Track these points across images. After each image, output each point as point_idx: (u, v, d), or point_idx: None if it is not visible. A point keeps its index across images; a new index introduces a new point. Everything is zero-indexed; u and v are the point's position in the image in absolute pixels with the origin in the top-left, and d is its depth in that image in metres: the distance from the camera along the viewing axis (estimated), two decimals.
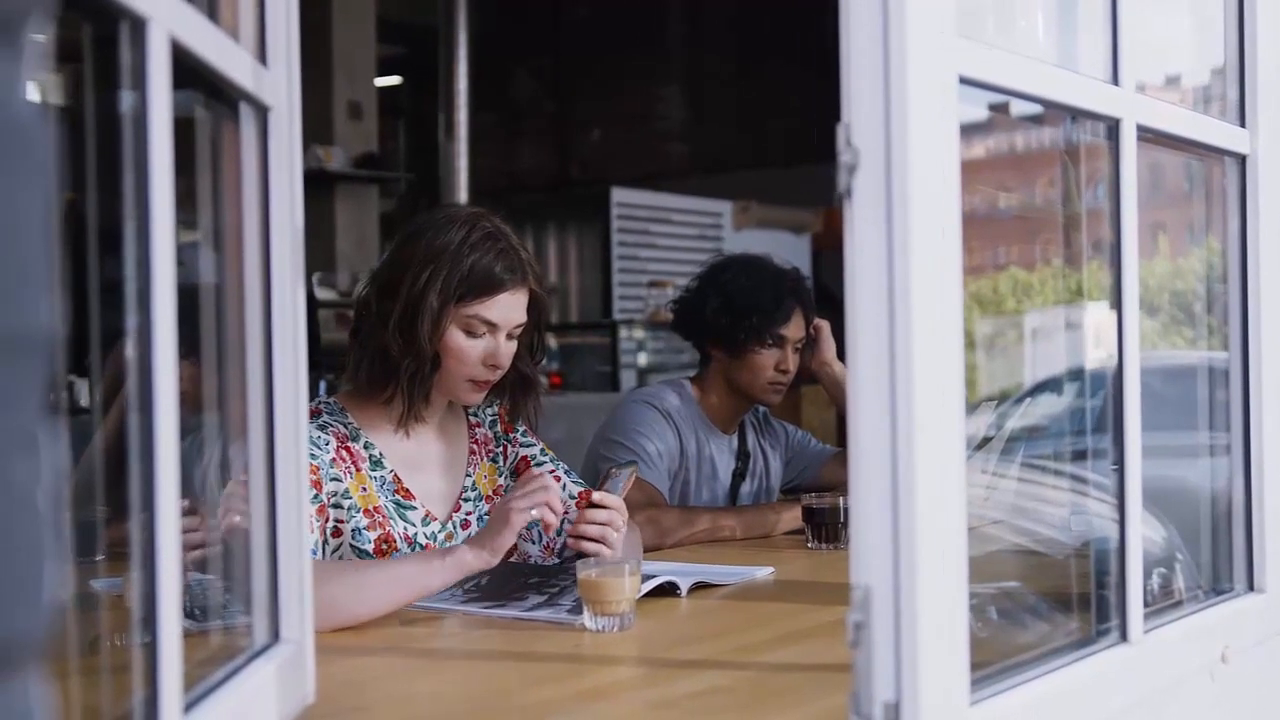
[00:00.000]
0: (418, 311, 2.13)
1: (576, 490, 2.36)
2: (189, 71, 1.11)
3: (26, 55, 0.59)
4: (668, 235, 8.17)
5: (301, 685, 1.40)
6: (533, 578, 2.12)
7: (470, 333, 2.17)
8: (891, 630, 1.16)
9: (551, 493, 1.98)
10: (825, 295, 5.79)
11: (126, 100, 1.02)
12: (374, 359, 2.18)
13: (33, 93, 0.60)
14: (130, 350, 1.01)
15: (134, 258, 1.01)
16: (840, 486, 2.92)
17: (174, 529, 1.02)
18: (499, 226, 2.21)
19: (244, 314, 1.35)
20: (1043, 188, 2.07)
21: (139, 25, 1.00)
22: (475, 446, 2.35)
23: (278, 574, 1.37)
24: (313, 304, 4.80)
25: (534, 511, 1.95)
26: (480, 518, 2.29)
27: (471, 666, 1.73)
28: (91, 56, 1.04)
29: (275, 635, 1.36)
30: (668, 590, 2.09)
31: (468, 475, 2.32)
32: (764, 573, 2.33)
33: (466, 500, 2.30)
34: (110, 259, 1.03)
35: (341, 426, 2.19)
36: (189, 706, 1.09)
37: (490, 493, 2.33)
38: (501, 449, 2.38)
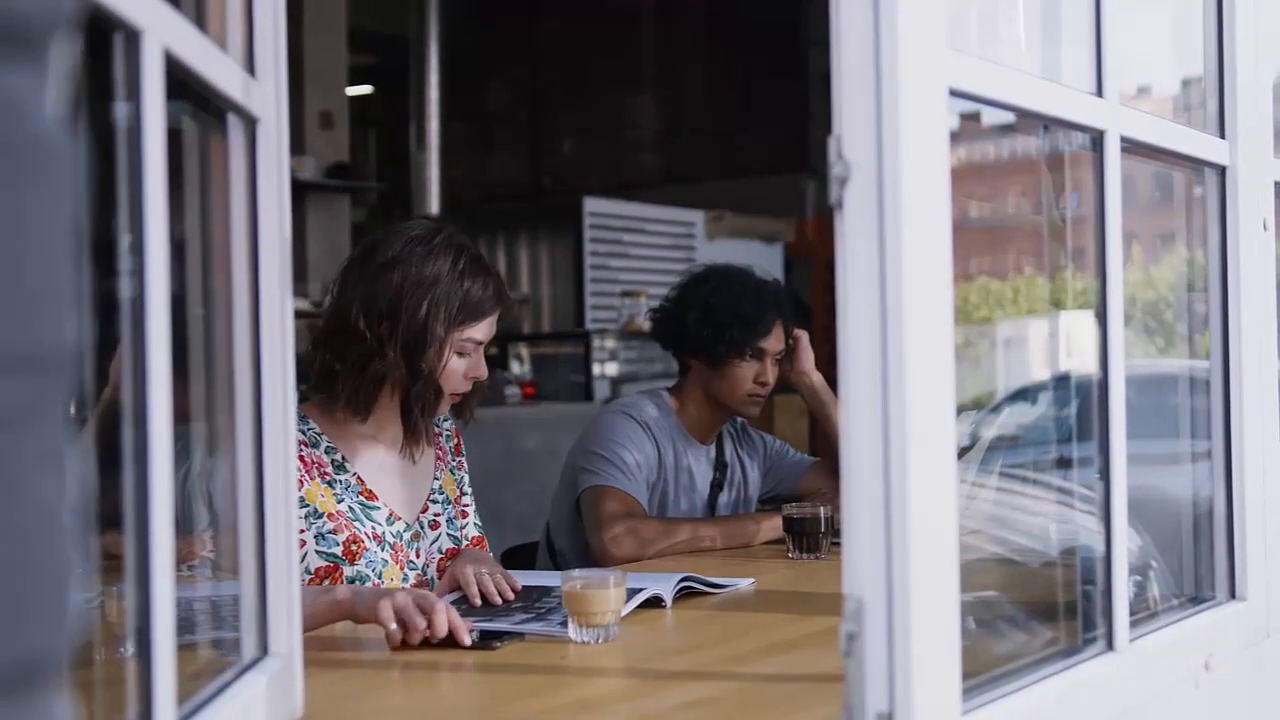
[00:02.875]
0: (424, 342, 2.19)
1: (474, 534, 2.43)
2: (176, 82, 1.11)
3: (51, 70, 0.59)
4: (641, 245, 8.16)
5: (290, 699, 1.39)
6: (517, 600, 2.11)
7: (461, 354, 2.25)
8: (884, 640, 1.16)
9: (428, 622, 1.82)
10: (797, 305, 5.79)
11: (120, 111, 1.01)
12: (372, 384, 2.21)
13: (57, 107, 0.60)
14: (125, 362, 1.00)
15: (128, 268, 1.00)
16: (819, 496, 2.92)
17: (168, 542, 1.01)
18: (475, 249, 2.30)
19: (231, 325, 1.34)
20: (1014, 197, 2.08)
21: (133, 37, 0.99)
22: (440, 453, 2.42)
23: (266, 588, 1.36)
24: None
25: (393, 625, 1.80)
26: (449, 520, 2.37)
27: (458, 680, 1.72)
28: (83, 67, 1.03)
29: (264, 649, 1.35)
30: (652, 602, 2.09)
31: (435, 478, 2.39)
32: (746, 584, 2.33)
33: (435, 501, 2.37)
34: (101, 270, 1.02)
35: (300, 433, 2.20)
36: None
37: (453, 499, 2.41)
38: (455, 465, 2.46)
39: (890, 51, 1.15)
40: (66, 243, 0.59)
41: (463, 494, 2.45)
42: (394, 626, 1.79)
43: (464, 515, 2.44)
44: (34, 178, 0.57)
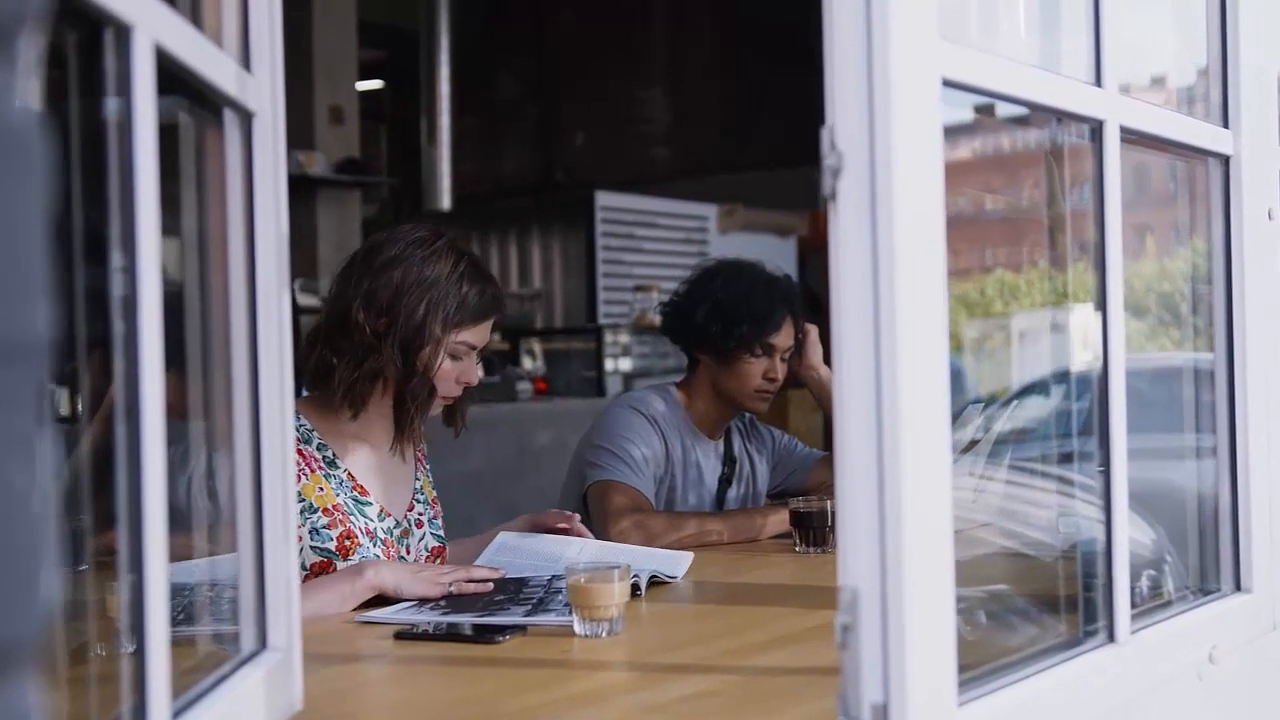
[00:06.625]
0: (420, 340, 2.24)
1: (433, 544, 2.43)
2: (172, 77, 1.11)
3: (21, 62, 0.59)
4: (653, 239, 8.16)
5: (289, 692, 1.39)
6: (498, 595, 2.11)
7: (454, 357, 2.29)
8: (879, 632, 1.16)
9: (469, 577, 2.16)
10: (810, 299, 5.79)
11: (110, 106, 1.01)
12: (367, 378, 2.25)
13: (27, 99, 0.60)
14: (117, 359, 1.00)
15: (120, 265, 1.01)
16: (828, 490, 2.92)
17: (161, 537, 1.02)
18: (475, 256, 2.35)
19: (229, 322, 1.35)
20: (1029, 189, 2.08)
21: (123, 32, 0.99)
22: (420, 456, 2.47)
23: (265, 581, 1.36)
24: (294, 310, 4.82)
25: (453, 588, 2.11)
26: (430, 519, 2.43)
27: (459, 673, 1.72)
28: (75, 62, 1.04)
29: (263, 642, 1.36)
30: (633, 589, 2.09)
31: (417, 479, 2.44)
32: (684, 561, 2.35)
33: (419, 501, 2.42)
34: (94, 266, 1.02)
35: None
36: (177, 713, 1.08)
37: (430, 500, 2.46)
38: (428, 470, 2.51)
39: (882, 42, 1.15)
40: (37, 233, 0.60)
41: (435, 498, 2.50)
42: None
43: (438, 516, 2.48)
44: (6, 168, 0.58)
